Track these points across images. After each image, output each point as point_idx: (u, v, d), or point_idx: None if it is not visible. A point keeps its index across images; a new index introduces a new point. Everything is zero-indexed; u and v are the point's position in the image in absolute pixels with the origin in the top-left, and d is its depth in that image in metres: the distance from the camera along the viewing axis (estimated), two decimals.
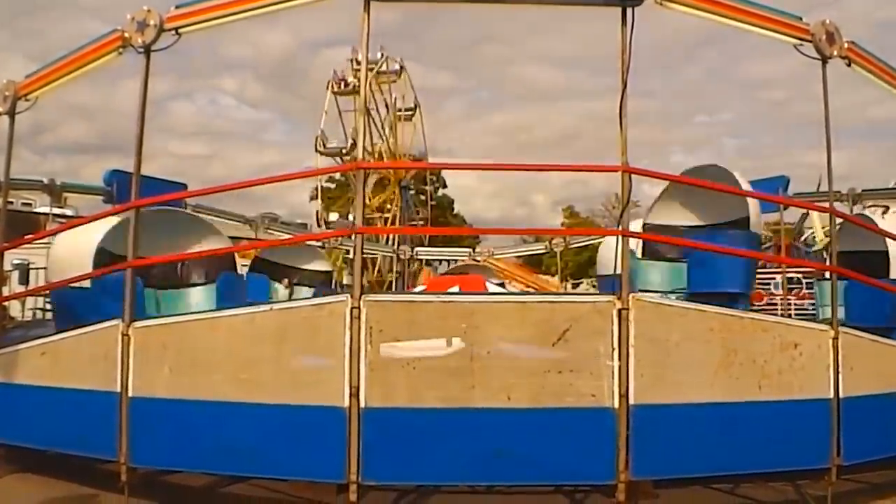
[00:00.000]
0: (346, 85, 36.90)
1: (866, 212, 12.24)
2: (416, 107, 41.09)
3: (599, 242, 13.29)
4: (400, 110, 39.98)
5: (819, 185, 15.93)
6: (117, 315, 6.35)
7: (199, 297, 10.46)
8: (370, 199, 37.42)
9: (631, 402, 5.68)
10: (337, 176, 47.16)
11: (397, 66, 39.77)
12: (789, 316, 12.96)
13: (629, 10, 5.99)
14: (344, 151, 36.81)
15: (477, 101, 78.80)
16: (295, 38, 78.12)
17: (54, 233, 8.91)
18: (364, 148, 10.65)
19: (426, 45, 71.44)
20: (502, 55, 76.34)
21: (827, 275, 8.60)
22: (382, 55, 38.17)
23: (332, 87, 37.47)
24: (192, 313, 6.78)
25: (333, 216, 39.21)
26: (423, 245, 33.39)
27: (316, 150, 37.78)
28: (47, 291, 15.84)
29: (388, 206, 40.13)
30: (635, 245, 10.07)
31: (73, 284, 8.10)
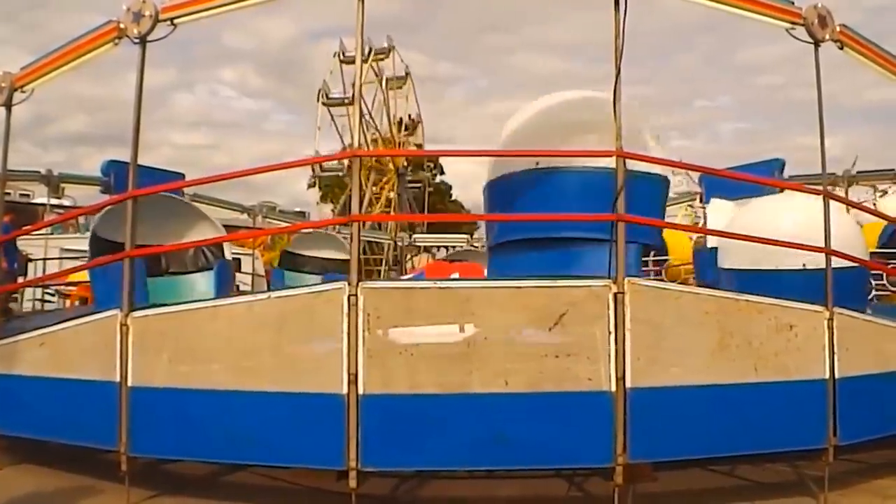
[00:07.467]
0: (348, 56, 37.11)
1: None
2: (406, 75, 41.26)
3: None
4: (391, 79, 40.20)
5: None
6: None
7: (203, 284, 10.57)
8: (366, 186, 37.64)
9: (628, 385, 5.69)
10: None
11: (403, 74, 40.40)
12: None
13: None
14: (346, 101, 37.08)
15: (476, 89, 78.72)
16: (296, 27, 77.89)
17: (51, 223, 8.88)
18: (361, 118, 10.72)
19: (427, 34, 71.35)
20: (502, 44, 76.48)
21: None
22: (390, 47, 38.48)
23: (340, 56, 37.88)
24: (190, 302, 6.77)
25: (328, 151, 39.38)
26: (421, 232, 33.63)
27: (318, 101, 38.25)
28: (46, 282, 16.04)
29: (383, 192, 40.27)
30: None
31: None
